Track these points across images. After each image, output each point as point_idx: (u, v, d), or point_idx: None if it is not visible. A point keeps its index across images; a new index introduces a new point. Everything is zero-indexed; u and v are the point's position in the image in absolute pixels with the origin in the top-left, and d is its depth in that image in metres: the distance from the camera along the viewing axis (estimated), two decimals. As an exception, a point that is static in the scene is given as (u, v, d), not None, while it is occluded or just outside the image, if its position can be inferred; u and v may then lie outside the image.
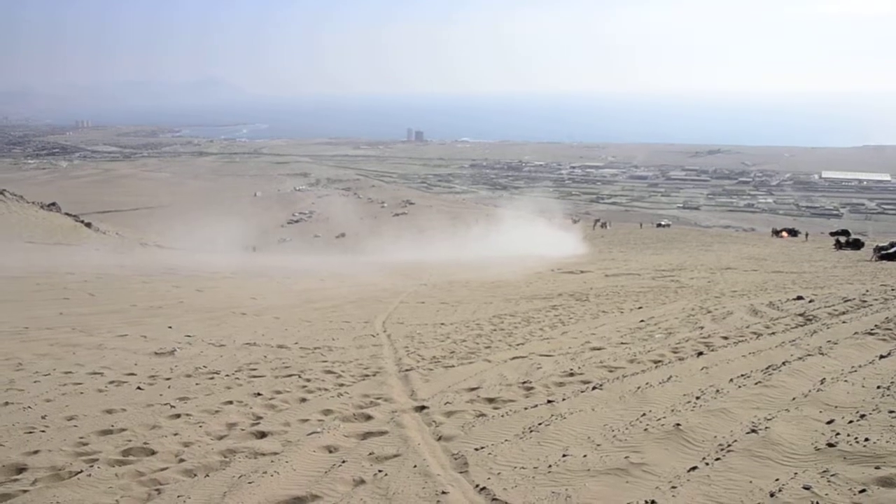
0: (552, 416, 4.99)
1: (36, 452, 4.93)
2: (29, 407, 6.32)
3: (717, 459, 3.65)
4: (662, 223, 73.74)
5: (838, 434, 3.73)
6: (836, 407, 4.22)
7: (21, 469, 4.61)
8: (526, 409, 5.40)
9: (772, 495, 3.13)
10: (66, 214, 42.09)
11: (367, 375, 7.67)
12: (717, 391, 4.93)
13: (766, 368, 5.45)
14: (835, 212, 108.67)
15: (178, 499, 4.03)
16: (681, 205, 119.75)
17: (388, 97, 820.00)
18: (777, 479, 3.29)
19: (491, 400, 5.93)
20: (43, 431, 5.53)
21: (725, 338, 7.82)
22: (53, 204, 43.12)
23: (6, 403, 6.45)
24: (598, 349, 8.23)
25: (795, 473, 3.33)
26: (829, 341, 6.31)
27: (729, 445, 3.80)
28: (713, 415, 4.34)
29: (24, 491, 4.23)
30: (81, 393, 6.98)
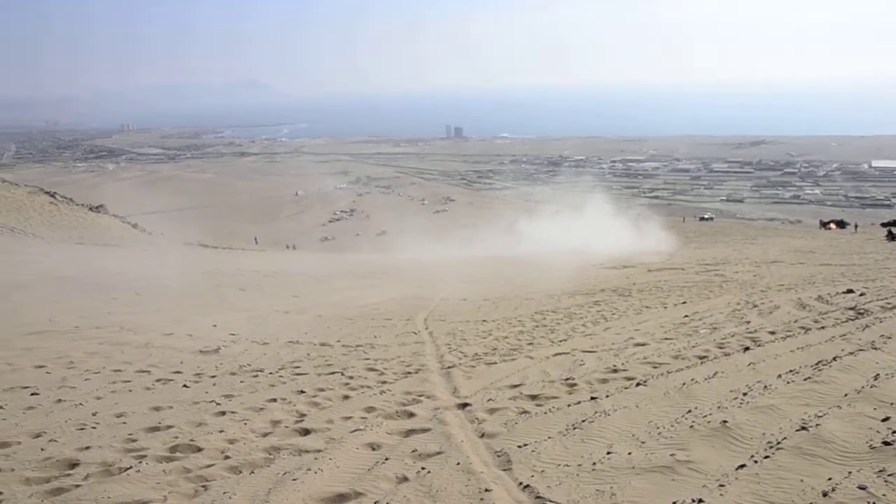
0: (596, 412, 4.94)
1: (87, 448, 5.06)
2: (80, 404, 6.48)
3: (767, 457, 3.56)
4: (706, 216, 72.47)
5: (894, 432, 3.60)
6: (891, 404, 4.08)
7: (74, 464, 4.73)
8: (569, 405, 5.35)
9: (825, 495, 3.04)
10: (114, 216, 43.02)
11: (409, 373, 7.69)
12: (765, 387, 4.81)
13: (816, 364, 5.30)
14: (886, 202, 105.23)
15: (223, 495, 4.09)
16: (724, 198, 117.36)
17: (425, 94, 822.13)
18: (830, 479, 3.20)
19: (534, 397, 5.89)
20: (94, 428, 5.66)
21: (772, 333, 7.63)
22: (101, 206, 44.05)
23: (59, 401, 6.63)
24: (642, 345, 8.11)
25: (849, 473, 3.23)
26: (882, 336, 6.10)
27: (778, 443, 3.70)
28: (761, 411, 4.24)
29: (77, 486, 4.34)
30: (130, 391, 7.14)
